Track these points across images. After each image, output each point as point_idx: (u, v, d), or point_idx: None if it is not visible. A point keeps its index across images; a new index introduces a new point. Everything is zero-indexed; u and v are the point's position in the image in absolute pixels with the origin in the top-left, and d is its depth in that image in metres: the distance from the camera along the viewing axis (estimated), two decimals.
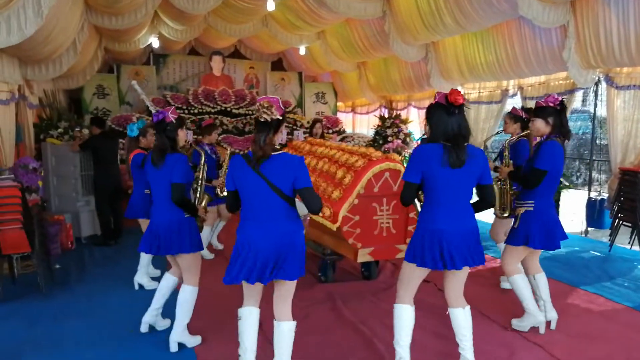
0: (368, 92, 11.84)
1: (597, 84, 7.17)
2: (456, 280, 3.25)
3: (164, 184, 3.67)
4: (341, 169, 4.71)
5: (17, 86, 7.02)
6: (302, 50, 11.57)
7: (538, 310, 3.99)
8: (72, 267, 6.04)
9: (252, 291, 3.16)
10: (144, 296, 4.70)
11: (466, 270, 3.21)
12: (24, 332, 4.15)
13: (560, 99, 3.76)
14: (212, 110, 11.09)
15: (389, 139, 10.49)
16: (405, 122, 11.10)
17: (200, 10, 8.07)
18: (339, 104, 13.86)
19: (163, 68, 12.64)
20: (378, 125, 11.00)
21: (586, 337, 3.97)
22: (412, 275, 3.23)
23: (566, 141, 3.89)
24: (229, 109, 11.25)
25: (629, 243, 6.40)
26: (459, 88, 9.69)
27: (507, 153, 4.25)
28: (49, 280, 5.35)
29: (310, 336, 3.97)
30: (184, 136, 3.92)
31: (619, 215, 6.30)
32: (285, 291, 3.11)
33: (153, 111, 7.09)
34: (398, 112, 11.53)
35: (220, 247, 6.74)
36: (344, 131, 11.97)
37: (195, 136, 8.92)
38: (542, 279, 4.04)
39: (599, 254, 6.35)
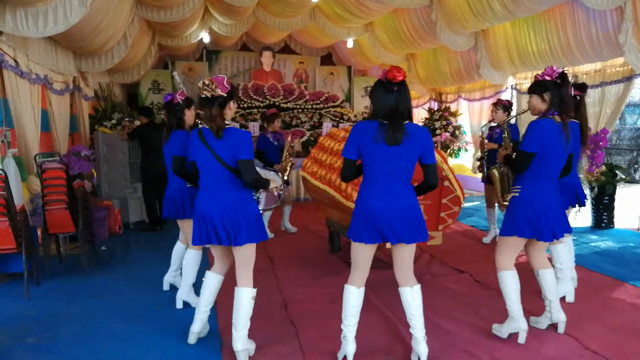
0: (417, 85, 11.65)
1: None
2: (401, 260, 3.20)
3: (169, 158, 3.97)
4: None
5: (71, 78, 7.38)
6: (350, 43, 11.53)
7: (522, 316, 3.49)
8: (117, 249, 6.26)
9: (218, 257, 3.47)
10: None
11: (410, 249, 3.17)
12: (62, 307, 4.33)
13: (559, 70, 3.32)
14: (261, 105, 11.22)
15: (437, 132, 10.26)
16: (454, 114, 10.83)
17: (246, 2, 8.19)
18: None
19: (215, 64, 12.96)
20: (426, 119, 10.79)
21: (627, 332, 3.73)
22: (359, 254, 3.18)
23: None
24: (277, 103, 11.34)
25: None
26: (510, 78, 9.38)
27: (505, 134, 4.01)
28: (92, 260, 5.59)
29: (335, 320, 3.90)
30: (192, 116, 4.24)
31: None
32: (241, 257, 3.30)
33: None
34: (447, 105, 11.26)
35: (293, 230, 7.09)
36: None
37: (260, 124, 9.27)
38: (546, 276, 3.61)
39: None
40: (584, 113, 4.03)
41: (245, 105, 11.23)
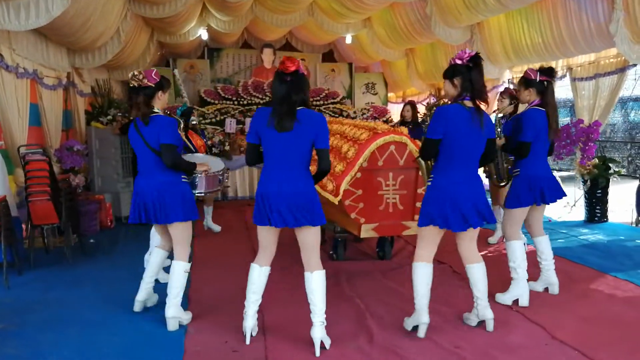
0: (416, 81, 11.58)
1: None
2: (301, 244, 3.30)
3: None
4: (347, 143, 4.63)
5: (65, 73, 7.45)
6: (349, 39, 11.51)
7: (425, 310, 3.46)
8: (106, 242, 6.31)
9: (160, 234, 3.93)
10: None
11: (309, 235, 3.24)
12: (39, 295, 4.39)
13: (472, 53, 3.25)
14: (261, 102, 11.24)
15: None
16: None
17: None
18: (390, 94, 13.67)
19: (217, 61, 13.00)
20: (424, 114, 10.71)
21: (599, 321, 3.67)
22: (260, 236, 3.36)
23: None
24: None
25: None
26: (507, 72, 9.28)
27: (498, 129, 4.24)
28: (78, 252, 5.64)
29: (298, 305, 3.86)
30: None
31: None
32: (174, 234, 3.67)
33: (185, 98, 7.38)
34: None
35: (216, 229, 6.81)
36: (391, 121, 11.79)
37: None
38: (473, 270, 3.58)
39: None
40: (550, 100, 3.93)
41: (245, 102, 11.25)
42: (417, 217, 4.60)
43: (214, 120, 10.65)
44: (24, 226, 5.42)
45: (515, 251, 3.97)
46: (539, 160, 3.96)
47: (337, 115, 11.08)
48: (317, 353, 3.17)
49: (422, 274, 3.48)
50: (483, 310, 3.50)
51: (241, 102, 11.21)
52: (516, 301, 3.96)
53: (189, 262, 3.76)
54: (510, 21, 7.98)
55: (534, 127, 3.84)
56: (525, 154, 3.87)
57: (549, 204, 4.08)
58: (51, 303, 4.19)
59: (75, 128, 8.03)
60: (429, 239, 3.47)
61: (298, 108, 3.09)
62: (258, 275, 3.35)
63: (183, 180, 3.70)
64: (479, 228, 3.45)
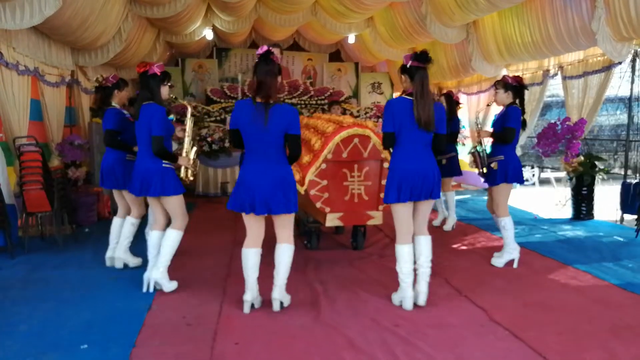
0: None
1: (634, 58, 6.64)
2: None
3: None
4: (315, 136, 4.83)
5: (69, 71, 7.81)
6: (352, 39, 11.69)
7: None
8: (100, 232, 6.60)
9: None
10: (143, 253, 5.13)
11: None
12: (25, 275, 4.71)
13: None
14: None
15: None
16: None
17: None
18: (396, 94, 13.77)
19: (225, 61, 13.32)
20: None
21: (541, 306, 3.80)
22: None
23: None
24: (282, 99, 11.62)
25: None
26: (504, 70, 9.35)
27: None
28: (71, 239, 5.97)
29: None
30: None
31: None
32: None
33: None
34: (439, 99, 11.26)
35: None
36: None
37: None
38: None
39: (622, 239, 5.89)
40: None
41: None
42: (381, 207, 4.84)
43: (218, 118, 11.00)
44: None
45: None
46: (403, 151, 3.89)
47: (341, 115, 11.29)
48: (276, 308, 3.68)
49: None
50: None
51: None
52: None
53: None
54: (503, 20, 8.07)
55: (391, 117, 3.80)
56: (385, 146, 3.87)
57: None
58: (34, 282, 4.49)
59: (79, 124, 8.39)
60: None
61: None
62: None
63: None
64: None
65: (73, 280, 4.54)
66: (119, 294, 4.17)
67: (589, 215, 7.01)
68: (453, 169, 6.54)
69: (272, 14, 10.82)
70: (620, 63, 6.80)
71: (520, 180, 4.79)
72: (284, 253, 3.68)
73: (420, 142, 3.65)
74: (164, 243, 4.14)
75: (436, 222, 6.72)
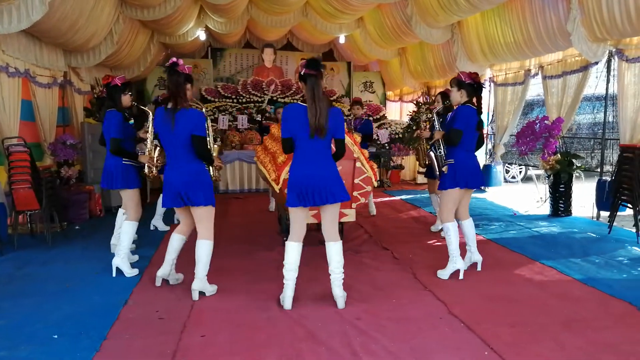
0: (409, 79, 11.84)
1: (610, 59, 6.77)
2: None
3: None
4: None
5: (61, 73, 7.99)
6: (342, 39, 11.86)
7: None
8: (90, 229, 6.81)
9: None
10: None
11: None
12: (12, 270, 4.89)
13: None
14: (260, 99, 11.67)
15: (422, 125, 10.43)
16: None
17: (220, 0, 8.64)
18: (389, 93, 13.92)
19: (220, 61, 13.48)
20: (414, 112, 10.98)
21: (500, 300, 3.96)
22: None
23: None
24: (275, 98, 11.78)
25: (634, 225, 6.00)
26: (488, 70, 9.48)
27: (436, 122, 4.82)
28: (61, 237, 6.15)
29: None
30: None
31: (618, 194, 5.94)
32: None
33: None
34: (435, 98, 11.39)
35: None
36: (385, 117, 12.12)
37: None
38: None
39: (594, 236, 6.04)
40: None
41: (244, 100, 11.71)
42: (354, 205, 5.00)
43: (212, 117, 11.16)
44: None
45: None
46: (299, 159, 3.92)
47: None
48: (195, 298, 4.02)
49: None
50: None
51: (240, 100, 11.68)
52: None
53: None
54: (486, 21, 8.21)
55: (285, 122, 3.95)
56: (284, 151, 3.99)
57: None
58: (20, 278, 4.68)
59: (73, 124, 8.57)
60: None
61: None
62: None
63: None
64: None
65: (57, 276, 4.72)
66: (99, 289, 4.34)
67: (567, 212, 7.15)
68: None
69: (264, 15, 10.98)
70: (596, 63, 6.92)
71: (473, 185, 4.52)
72: (200, 248, 4.06)
73: (314, 148, 3.69)
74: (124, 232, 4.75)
75: (434, 228, 6.39)
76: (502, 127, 9.16)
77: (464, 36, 8.92)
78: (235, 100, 11.68)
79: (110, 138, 4.67)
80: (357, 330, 3.40)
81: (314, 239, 5.98)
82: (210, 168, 4.24)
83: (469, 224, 4.64)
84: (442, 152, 4.62)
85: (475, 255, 4.69)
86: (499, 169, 9.59)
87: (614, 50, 6.52)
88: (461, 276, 4.45)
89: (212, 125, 5.40)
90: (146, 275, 4.65)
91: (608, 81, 6.82)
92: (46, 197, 5.90)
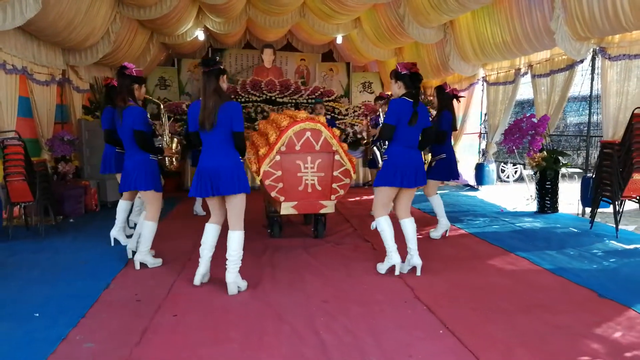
0: None
1: (594, 57, 6.86)
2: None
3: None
4: (273, 129, 5.14)
5: (60, 70, 8.21)
6: (339, 40, 12.01)
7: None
8: (84, 222, 6.99)
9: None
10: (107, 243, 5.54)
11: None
12: (1, 258, 5.07)
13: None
14: (258, 99, 11.83)
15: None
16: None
17: (217, 0, 8.82)
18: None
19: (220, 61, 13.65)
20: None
21: (464, 286, 4.10)
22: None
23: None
24: (273, 98, 11.94)
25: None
26: (481, 70, 9.59)
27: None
28: (54, 229, 6.33)
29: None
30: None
31: (599, 190, 6.03)
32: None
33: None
34: (430, 98, 11.52)
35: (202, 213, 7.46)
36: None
37: None
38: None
39: (576, 230, 6.13)
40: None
41: (243, 100, 11.88)
42: (334, 197, 5.15)
43: None
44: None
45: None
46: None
47: (329, 113, 11.60)
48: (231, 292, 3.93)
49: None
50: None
51: (238, 100, 11.85)
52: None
53: None
54: (477, 21, 8.33)
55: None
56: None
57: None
58: (10, 264, 4.86)
59: (71, 121, 8.79)
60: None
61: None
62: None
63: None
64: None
65: (45, 264, 4.89)
66: (83, 275, 4.50)
67: (553, 208, 7.24)
68: (440, 171, 5.67)
69: (262, 16, 11.16)
70: (582, 61, 7.02)
71: (408, 184, 4.24)
72: (145, 227, 4.62)
73: (212, 141, 3.88)
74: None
75: (435, 235, 5.86)
76: (493, 126, 9.26)
77: (456, 36, 9.03)
78: (234, 100, 11.83)
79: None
80: (322, 312, 3.54)
81: (298, 231, 6.14)
82: (166, 158, 4.85)
83: (408, 223, 4.39)
84: (383, 148, 4.56)
85: (414, 259, 4.35)
86: (491, 168, 9.68)
87: (597, 48, 6.61)
88: (397, 272, 4.32)
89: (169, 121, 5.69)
90: (130, 264, 4.80)
91: (592, 79, 6.90)
92: (40, 189, 6.08)
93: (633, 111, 5.68)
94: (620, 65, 6.30)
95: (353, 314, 3.50)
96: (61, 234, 6.22)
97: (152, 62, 11.56)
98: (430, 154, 5.46)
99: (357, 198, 9.04)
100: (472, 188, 9.87)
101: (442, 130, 5.55)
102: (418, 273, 4.32)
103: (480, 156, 9.94)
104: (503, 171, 11.74)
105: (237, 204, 3.94)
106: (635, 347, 2.97)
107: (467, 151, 10.28)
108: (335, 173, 5.03)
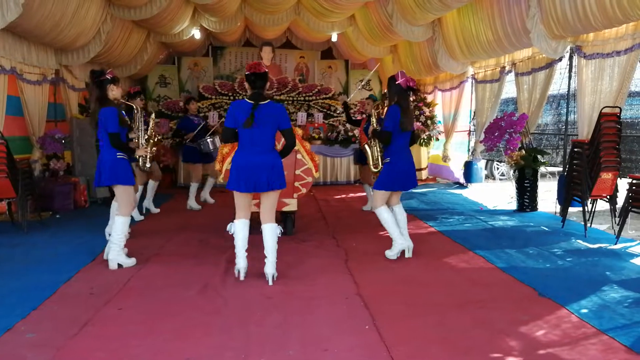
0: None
1: (571, 56, 6.84)
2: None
3: None
4: None
5: (52, 70, 8.44)
6: (334, 37, 12.08)
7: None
8: (70, 218, 7.22)
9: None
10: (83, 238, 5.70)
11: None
12: None
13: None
14: None
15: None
16: (429, 105, 11.11)
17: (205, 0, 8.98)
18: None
19: (220, 59, 13.86)
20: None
21: (409, 282, 4.20)
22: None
23: None
24: (271, 95, 12.08)
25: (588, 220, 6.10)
26: (470, 68, 9.59)
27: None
28: (37, 224, 6.57)
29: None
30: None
31: (569, 189, 6.05)
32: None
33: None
34: (424, 95, 11.55)
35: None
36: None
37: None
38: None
39: (546, 229, 6.15)
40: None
41: (240, 97, 12.04)
42: (296, 195, 5.26)
43: (207, 114, 11.53)
44: None
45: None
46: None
47: (325, 110, 11.73)
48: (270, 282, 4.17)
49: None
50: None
51: (236, 97, 12.02)
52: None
53: None
54: (464, 19, 8.35)
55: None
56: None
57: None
58: None
59: (66, 120, 9.03)
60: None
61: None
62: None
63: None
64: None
65: (18, 258, 5.10)
66: (51, 269, 4.69)
67: (532, 207, 7.25)
68: (382, 180, 5.02)
69: (257, 14, 11.29)
70: (561, 59, 7.00)
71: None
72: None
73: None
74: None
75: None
76: (481, 124, 9.27)
77: (444, 34, 9.06)
78: (231, 98, 12.03)
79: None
80: (261, 306, 3.67)
81: None
82: (141, 158, 4.99)
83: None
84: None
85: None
86: (480, 165, 9.69)
87: (574, 47, 6.60)
88: (407, 254, 4.90)
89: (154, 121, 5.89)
90: (98, 258, 4.98)
91: (570, 78, 6.89)
92: (22, 186, 6.31)
93: (601, 110, 5.69)
94: (595, 64, 6.29)
95: (290, 309, 3.62)
96: (44, 229, 6.44)
97: (151, 61, 11.77)
98: None
99: (343, 195, 9.13)
100: (461, 186, 9.89)
101: (385, 130, 4.74)
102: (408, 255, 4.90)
103: (470, 154, 9.95)
104: (497, 169, 11.72)
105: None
106: (551, 345, 3.03)
107: (457, 149, 10.31)
108: (297, 172, 5.14)
